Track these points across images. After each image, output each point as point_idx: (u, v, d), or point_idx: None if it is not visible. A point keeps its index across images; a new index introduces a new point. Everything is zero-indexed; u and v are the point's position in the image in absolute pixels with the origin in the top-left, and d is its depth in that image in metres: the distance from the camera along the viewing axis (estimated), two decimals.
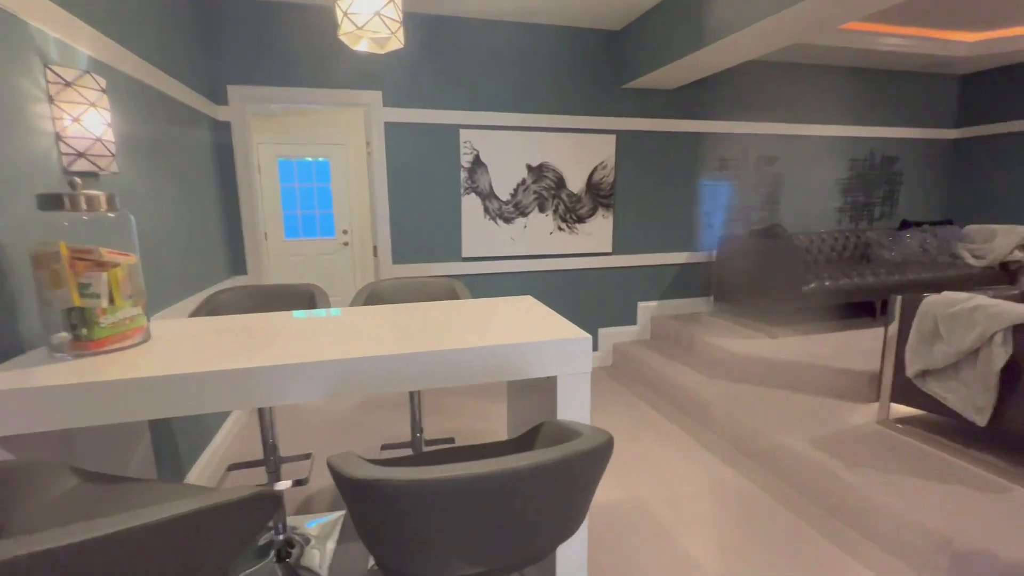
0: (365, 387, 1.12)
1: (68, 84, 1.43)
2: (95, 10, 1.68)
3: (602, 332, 3.97)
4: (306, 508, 2.10)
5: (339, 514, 2.06)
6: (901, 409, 2.42)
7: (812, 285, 3.38)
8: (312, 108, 4.89)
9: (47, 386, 0.96)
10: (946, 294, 2.13)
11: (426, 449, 2.29)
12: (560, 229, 3.71)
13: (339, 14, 1.40)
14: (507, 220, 3.58)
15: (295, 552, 1.81)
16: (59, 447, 1.16)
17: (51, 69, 1.40)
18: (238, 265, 3.10)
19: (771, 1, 2.30)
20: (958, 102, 4.67)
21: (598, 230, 3.80)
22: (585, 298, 3.87)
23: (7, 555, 0.50)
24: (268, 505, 0.78)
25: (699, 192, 4.01)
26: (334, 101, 3.13)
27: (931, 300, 2.15)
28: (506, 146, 3.48)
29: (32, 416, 0.96)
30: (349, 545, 1.86)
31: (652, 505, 2.07)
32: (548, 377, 1.27)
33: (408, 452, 2.29)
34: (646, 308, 4.04)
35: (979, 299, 2.00)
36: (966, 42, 3.96)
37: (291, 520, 2.00)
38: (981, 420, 1.95)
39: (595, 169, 3.71)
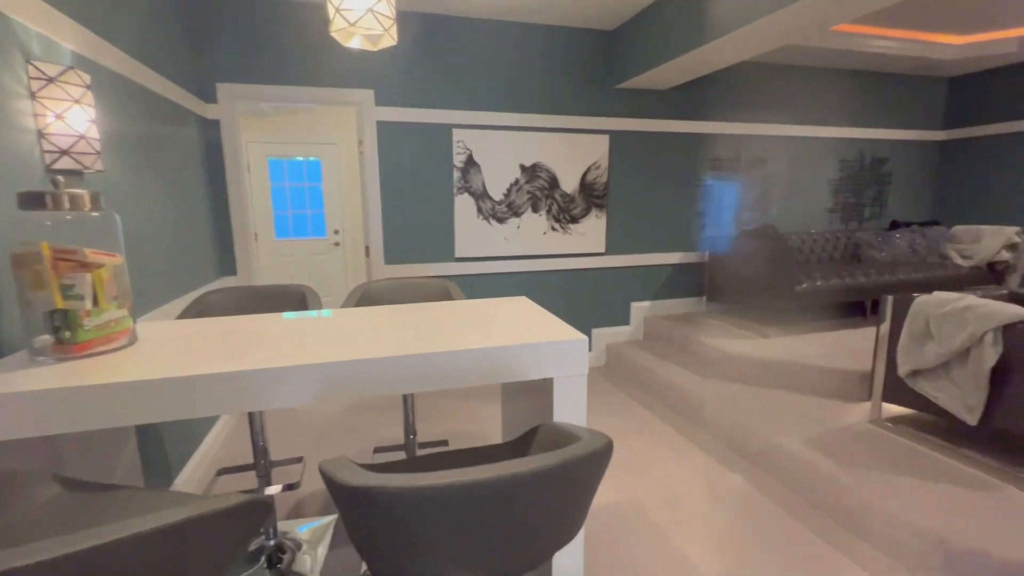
0: (358, 390, 1.09)
1: (51, 80, 1.39)
2: (79, 4, 1.64)
3: (595, 332, 3.96)
4: (297, 512, 2.07)
5: (331, 518, 2.03)
6: (893, 408, 2.44)
7: (804, 285, 3.40)
8: (303, 107, 4.84)
9: (28, 391, 0.93)
10: (937, 294, 2.15)
11: (420, 452, 2.26)
12: (553, 229, 3.70)
13: (331, 10, 1.38)
14: (500, 220, 3.56)
15: (286, 558, 1.78)
16: (41, 454, 1.13)
17: (33, 64, 1.36)
18: (227, 265, 3.06)
19: (764, 2, 2.31)
20: (945, 104, 4.73)
21: (591, 230, 3.80)
22: (578, 298, 3.87)
23: None
24: (259, 513, 0.76)
25: (692, 192, 4.02)
26: (325, 100, 3.09)
27: (922, 300, 2.17)
28: (499, 146, 3.47)
29: (12, 422, 0.93)
30: (341, 550, 1.83)
31: (648, 506, 2.07)
32: (543, 379, 1.26)
33: (401, 455, 2.26)
34: (639, 308, 4.04)
35: (969, 299, 2.01)
36: (954, 45, 4.01)
37: (282, 525, 1.96)
38: (972, 419, 1.96)
39: (588, 169, 3.70)
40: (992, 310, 1.91)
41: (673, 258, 4.06)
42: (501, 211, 3.55)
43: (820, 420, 2.45)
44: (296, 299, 1.85)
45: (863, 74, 4.36)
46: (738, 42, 2.67)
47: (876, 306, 3.87)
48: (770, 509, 2.05)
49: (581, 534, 1.31)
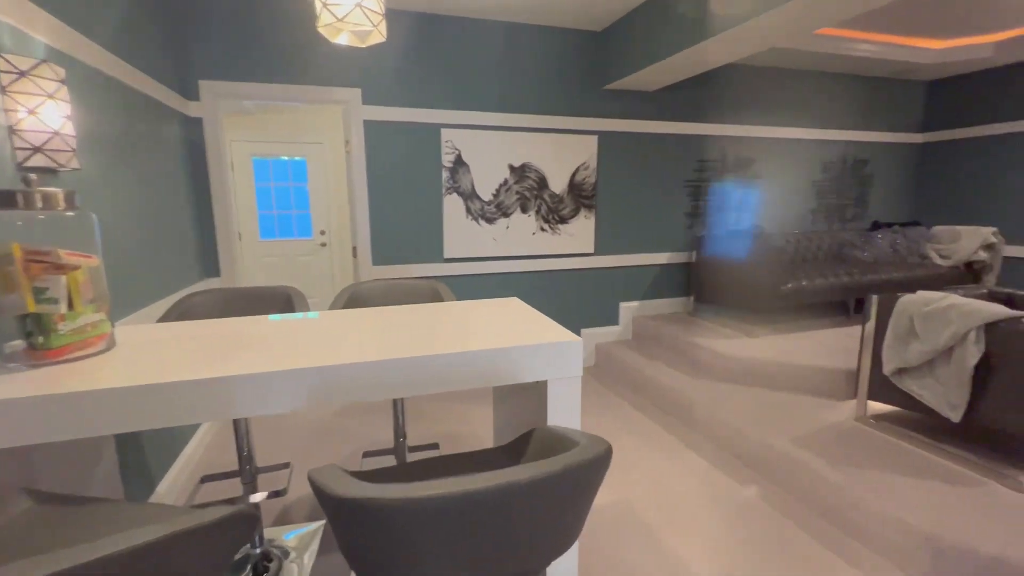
0: (347, 395, 1.06)
1: (23, 74, 1.34)
2: None
3: (584, 332, 3.96)
4: (284, 519, 2.02)
5: (318, 524, 1.98)
6: (878, 406, 2.47)
7: (790, 285, 3.44)
8: (288, 105, 4.77)
9: None
10: (921, 293, 2.18)
11: (410, 456, 2.23)
12: (543, 230, 3.69)
13: (318, 5, 1.34)
14: (489, 220, 3.54)
15: (273, 566, 1.73)
16: (11, 466, 1.08)
17: (3, 57, 1.31)
18: (210, 267, 2.99)
19: (751, 5, 2.32)
20: (924, 107, 4.83)
21: (580, 231, 3.80)
22: (567, 299, 3.86)
23: None
24: (245, 526, 0.73)
25: (679, 193, 4.04)
26: (311, 98, 3.04)
27: (907, 299, 2.20)
28: (488, 146, 3.44)
29: None
30: (329, 557, 1.79)
31: (640, 507, 2.06)
32: (536, 381, 1.24)
33: (391, 459, 2.23)
34: (628, 308, 4.05)
35: (953, 298, 2.05)
36: (932, 49, 4.10)
37: (268, 532, 1.92)
38: (955, 416, 1.99)
39: (577, 170, 3.70)
40: (974, 309, 1.95)
41: (661, 258, 4.08)
42: (490, 211, 3.53)
43: (808, 418, 2.47)
44: (282, 301, 1.80)
45: (845, 77, 4.43)
46: (725, 44, 2.68)
47: (859, 305, 3.93)
48: (762, 509, 2.06)
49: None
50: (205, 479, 1.81)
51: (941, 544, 1.61)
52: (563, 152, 3.64)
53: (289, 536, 1.92)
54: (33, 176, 1.07)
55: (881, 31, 3.76)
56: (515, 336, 1.22)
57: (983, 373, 1.92)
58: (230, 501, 1.64)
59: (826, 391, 2.78)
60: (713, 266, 3.79)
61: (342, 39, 1.44)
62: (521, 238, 3.64)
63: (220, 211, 2.95)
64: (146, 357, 1.12)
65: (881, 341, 2.29)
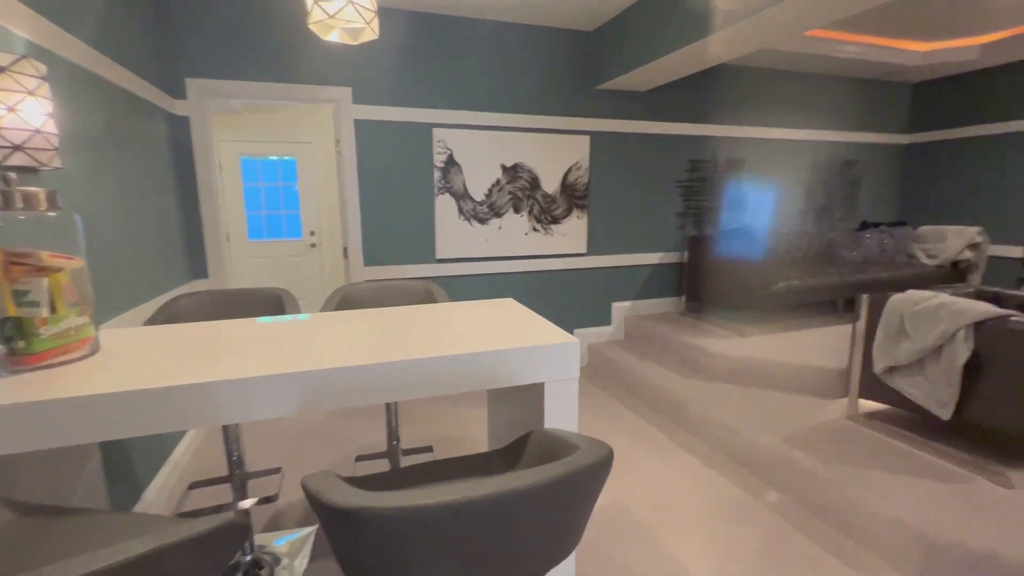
0: (341, 400, 1.04)
1: (2, 70, 1.29)
2: None
3: (577, 332, 3.96)
4: (274, 524, 1.99)
5: (310, 530, 1.95)
6: (868, 404, 2.49)
7: (781, 285, 3.46)
8: (277, 104, 4.71)
9: None
10: (911, 293, 2.20)
11: (404, 459, 2.21)
12: (535, 230, 3.68)
13: (309, 2, 1.32)
14: (482, 221, 3.52)
15: (263, 573, 1.70)
16: None
17: None
18: (198, 268, 2.93)
19: (743, 6, 2.33)
20: (911, 109, 4.90)
21: (573, 231, 3.80)
22: (560, 299, 3.85)
23: None
24: (237, 536, 0.70)
25: (671, 193, 4.05)
26: (301, 97, 3.00)
27: (897, 299, 2.22)
28: (480, 146, 3.43)
29: None
30: (321, 562, 1.77)
31: (635, 508, 2.06)
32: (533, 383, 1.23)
33: (385, 463, 2.20)
34: (620, 308, 4.06)
35: (942, 297, 2.07)
36: (918, 51, 4.15)
37: (259, 538, 1.88)
38: (945, 414, 2.01)
39: (569, 170, 3.69)
40: (963, 308, 1.97)
41: (653, 258, 4.09)
42: (482, 212, 3.51)
43: (800, 417, 2.49)
44: (273, 303, 1.77)
45: (834, 79, 4.48)
46: (717, 45, 2.69)
47: (849, 304, 3.97)
48: (755, 508, 2.07)
49: None
50: (194, 485, 1.78)
51: (933, 541, 1.62)
52: (555, 152, 3.63)
53: (280, 542, 1.89)
54: (13, 175, 1.03)
55: (868, 33, 3.80)
56: (512, 338, 1.20)
57: (972, 371, 1.94)
58: (220, 508, 1.61)
59: (817, 390, 2.80)
60: (705, 266, 3.81)
61: (333, 36, 1.42)
62: (513, 238, 3.63)
63: (208, 211, 2.90)
64: (132, 362, 1.09)
65: (871, 340, 2.31)
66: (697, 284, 3.89)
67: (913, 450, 2.14)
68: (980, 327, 1.92)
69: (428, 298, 1.97)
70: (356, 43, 1.43)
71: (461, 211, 3.46)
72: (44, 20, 1.57)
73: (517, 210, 3.60)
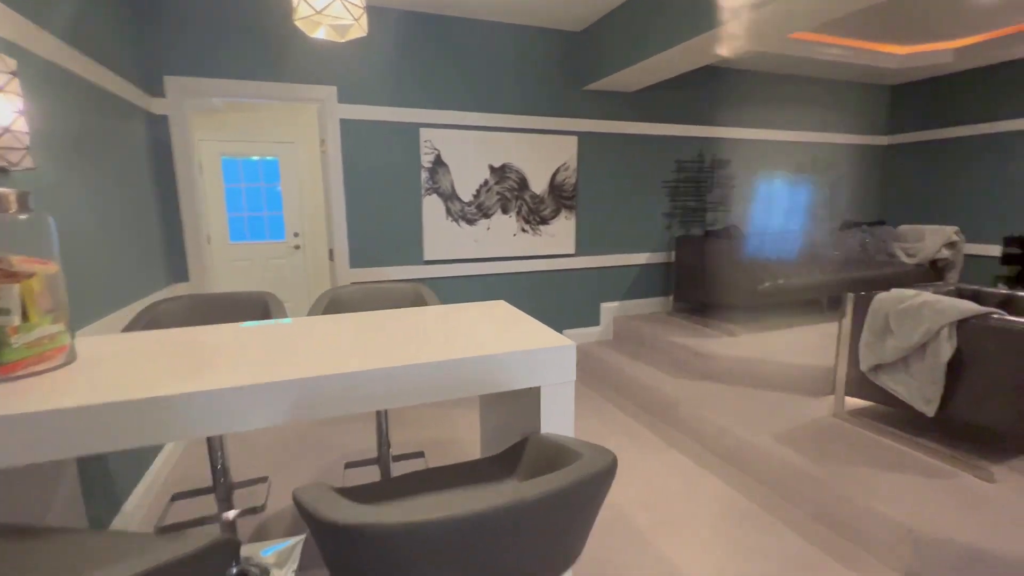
0: (332, 409, 1.01)
1: None
2: None
3: (566, 333, 3.95)
4: (261, 534, 1.93)
5: (298, 539, 1.90)
6: (854, 401, 2.53)
7: (767, 284, 3.50)
8: (260, 103, 4.61)
9: None
10: (895, 291, 2.24)
11: (394, 465, 2.17)
12: (523, 231, 3.67)
13: None
14: (470, 222, 3.49)
15: None
16: None
17: None
18: (178, 271, 2.85)
19: (724, 10, 2.35)
20: (889, 111, 5.00)
21: (561, 231, 3.79)
22: (549, 299, 3.85)
23: None
24: (225, 555, 0.67)
25: (658, 193, 4.08)
26: (285, 96, 2.94)
27: (882, 297, 2.25)
28: (468, 146, 3.40)
29: None
30: (310, 572, 1.72)
31: (629, 509, 2.05)
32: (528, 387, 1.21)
33: (374, 469, 2.16)
34: (608, 309, 4.06)
35: (926, 296, 2.11)
36: (896, 54, 4.24)
37: (244, 549, 1.82)
38: (930, 411, 2.05)
39: (557, 170, 3.69)
40: (946, 306, 2.00)
41: (641, 258, 4.11)
42: (471, 212, 3.49)
43: (788, 415, 2.51)
44: (258, 308, 1.72)
45: (815, 81, 4.55)
46: (702, 46, 2.71)
47: (833, 303, 4.04)
48: (747, 507, 2.08)
49: None
50: (176, 497, 1.72)
51: (921, 536, 1.65)
52: (543, 152, 3.62)
53: (267, 552, 1.83)
54: None
55: (850, 36, 3.87)
56: (507, 342, 1.18)
57: (956, 368, 1.97)
58: (204, 520, 1.56)
59: (804, 388, 2.84)
60: (691, 266, 3.83)
61: (320, 33, 1.38)
62: (502, 239, 3.61)
63: (188, 213, 2.82)
64: (110, 371, 1.04)
65: (857, 338, 2.35)
66: (684, 284, 3.92)
67: (899, 446, 2.17)
68: (963, 325, 1.96)
69: (418, 301, 1.93)
70: (344, 40, 1.39)
71: (449, 212, 3.43)
72: (14, 14, 1.50)
73: (505, 211, 3.58)
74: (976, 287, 2.56)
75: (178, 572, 0.59)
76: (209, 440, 1.58)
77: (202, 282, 2.91)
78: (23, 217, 1.02)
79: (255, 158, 4.91)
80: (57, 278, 1.07)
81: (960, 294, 2.55)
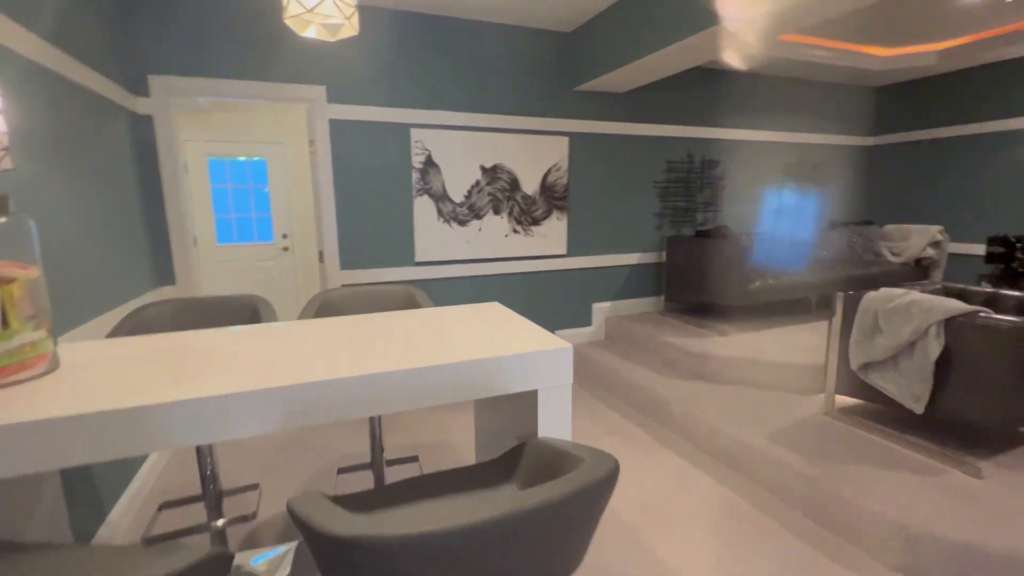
0: (326, 415, 0.99)
1: None
2: None
3: (558, 334, 3.95)
4: (251, 542, 1.90)
5: (289, 546, 1.87)
6: (844, 400, 2.55)
7: (757, 284, 3.53)
8: (247, 103, 4.55)
9: None
10: (884, 290, 2.26)
11: (388, 470, 2.14)
12: (515, 231, 3.65)
13: None
14: (461, 223, 3.48)
15: None
16: None
17: None
18: (164, 274, 2.80)
19: (714, 12, 2.36)
20: (874, 112, 5.08)
21: (552, 232, 3.79)
22: (541, 300, 3.84)
23: None
24: (217, 569, 0.65)
25: (649, 193, 4.09)
26: (273, 96, 2.90)
27: (871, 296, 2.28)
28: (459, 147, 3.38)
29: None
30: None
31: (622, 510, 2.05)
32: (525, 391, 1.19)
33: (368, 474, 2.13)
34: (600, 309, 4.07)
35: (914, 295, 2.13)
36: (881, 56, 4.31)
37: (235, 558, 1.79)
38: (919, 408, 2.08)
39: (549, 171, 3.68)
40: (934, 305, 2.03)
41: (632, 259, 4.12)
42: (462, 213, 3.47)
43: (779, 414, 2.53)
44: (247, 311, 1.69)
45: (803, 82, 4.61)
46: (689, 48, 2.72)
47: (822, 302, 4.09)
48: (741, 506, 2.09)
49: None
50: (164, 506, 1.68)
51: (912, 533, 1.66)
52: (535, 153, 3.61)
53: (258, 560, 1.80)
54: None
55: (837, 39, 3.92)
56: (503, 345, 1.17)
57: (943, 366, 2.00)
58: (193, 530, 1.52)
59: (795, 386, 2.86)
60: (682, 266, 3.85)
61: (310, 32, 1.36)
62: (494, 240, 3.59)
63: (174, 214, 2.77)
64: (95, 379, 1.01)
65: (847, 337, 2.37)
66: (675, 284, 3.93)
67: (889, 444, 2.20)
68: (951, 323, 1.98)
69: (411, 303, 1.91)
70: (334, 39, 1.37)
71: (440, 213, 3.40)
72: None
73: (497, 211, 3.57)
74: (962, 286, 2.60)
75: None
76: (198, 447, 1.55)
77: (189, 285, 2.86)
78: (2, 220, 0.99)
79: (242, 159, 4.84)
80: (38, 283, 1.03)
81: (947, 293, 2.59)
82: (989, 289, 2.55)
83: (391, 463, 2.09)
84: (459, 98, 3.32)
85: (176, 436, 0.90)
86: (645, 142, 3.99)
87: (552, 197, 3.73)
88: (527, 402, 1.22)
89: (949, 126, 4.56)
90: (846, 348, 2.38)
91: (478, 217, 3.52)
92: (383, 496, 0.97)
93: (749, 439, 2.29)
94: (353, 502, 0.93)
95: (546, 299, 3.85)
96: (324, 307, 1.82)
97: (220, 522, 1.56)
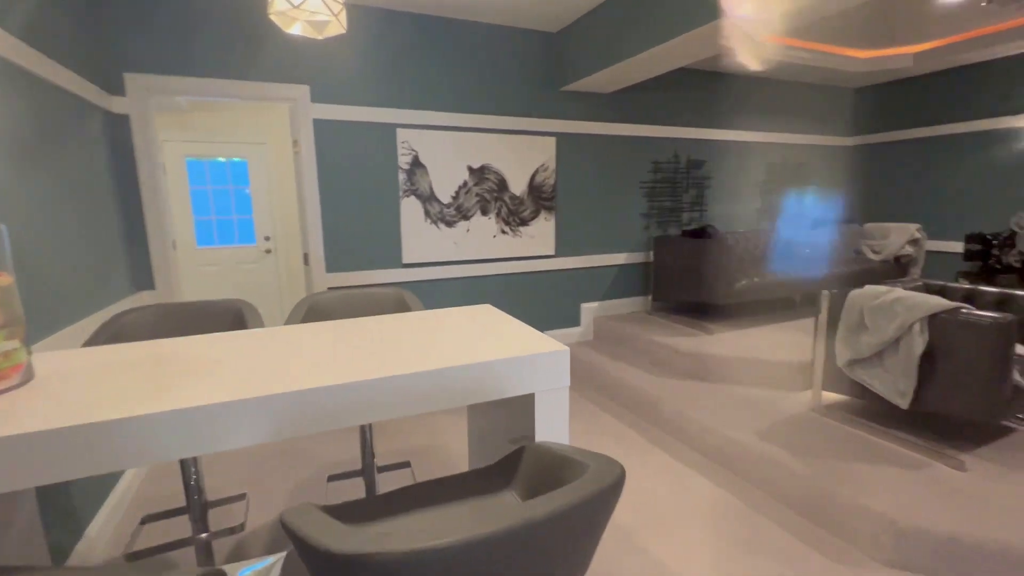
0: (318, 424, 0.96)
1: None
2: None
3: (547, 334, 3.94)
4: (238, 553, 1.84)
5: (277, 557, 1.82)
6: (830, 396, 2.59)
7: (743, 282, 3.57)
8: (227, 102, 4.45)
9: None
10: (868, 288, 2.30)
11: (379, 476, 2.10)
12: (503, 232, 3.64)
13: None
14: (449, 224, 3.44)
15: None
16: None
17: None
18: (143, 279, 2.71)
19: (703, 11, 2.37)
20: (853, 113, 5.18)
21: (541, 232, 3.78)
22: (529, 301, 3.83)
23: None
24: None
25: (636, 194, 4.11)
26: (254, 95, 2.83)
27: (856, 293, 2.31)
28: (446, 147, 3.35)
29: None
30: None
31: (615, 511, 2.05)
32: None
33: (359, 482, 2.09)
34: (589, 309, 4.07)
35: (897, 292, 2.17)
36: (860, 58, 4.39)
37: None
38: (904, 403, 2.11)
39: (537, 171, 3.67)
40: (918, 302, 2.07)
41: (619, 258, 4.13)
42: (450, 214, 3.44)
43: (767, 411, 2.56)
44: (232, 316, 1.64)
45: (784, 84, 4.68)
46: (676, 49, 2.73)
47: (805, 299, 4.15)
48: (732, 504, 2.10)
49: None
50: (147, 519, 1.62)
51: (900, 527, 1.69)
52: (522, 153, 3.60)
53: (245, 572, 1.75)
54: None
55: (816, 40, 3.99)
56: (498, 348, 1.15)
57: (928, 361, 2.04)
58: (178, 544, 1.47)
59: (782, 383, 2.90)
60: (669, 265, 3.88)
61: (296, 29, 1.32)
62: (482, 241, 3.57)
63: (152, 217, 2.69)
64: (73, 390, 0.96)
65: (833, 334, 2.40)
66: (663, 283, 3.96)
67: (875, 439, 2.23)
68: (934, 319, 2.02)
69: (401, 306, 1.88)
70: (321, 37, 1.33)
71: (428, 214, 3.37)
72: None
73: (485, 212, 3.55)
74: (942, 283, 2.66)
75: None
76: None
77: (169, 290, 2.78)
78: None
79: (222, 159, 4.73)
80: (10, 290, 0.98)
81: (928, 289, 2.64)
82: (968, 285, 2.61)
83: (382, 469, 2.05)
84: (446, 98, 3.29)
85: (159, 450, 0.86)
86: (631, 142, 4.01)
87: (540, 197, 3.72)
88: (522, 405, 1.21)
89: (926, 127, 4.67)
90: (832, 345, 2.42)
91: (466, 218, 3.49)
92: (379, 506, 0.94)
93: (739, 437, 2.31)
94: (348, 513, 0.90)
95: (535, 300, 3.84)
96: (312, 311, 1.78)
97: (206, 535, 1.51)
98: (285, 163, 4.85)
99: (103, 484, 2.00)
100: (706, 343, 3.27)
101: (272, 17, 1.24)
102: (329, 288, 3.13)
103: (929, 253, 4.56)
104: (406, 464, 1.90)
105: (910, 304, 2.09)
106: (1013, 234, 3.32)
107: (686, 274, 3.72)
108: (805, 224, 5.03)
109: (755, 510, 2.05)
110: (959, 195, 4.51)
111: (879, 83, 4.96)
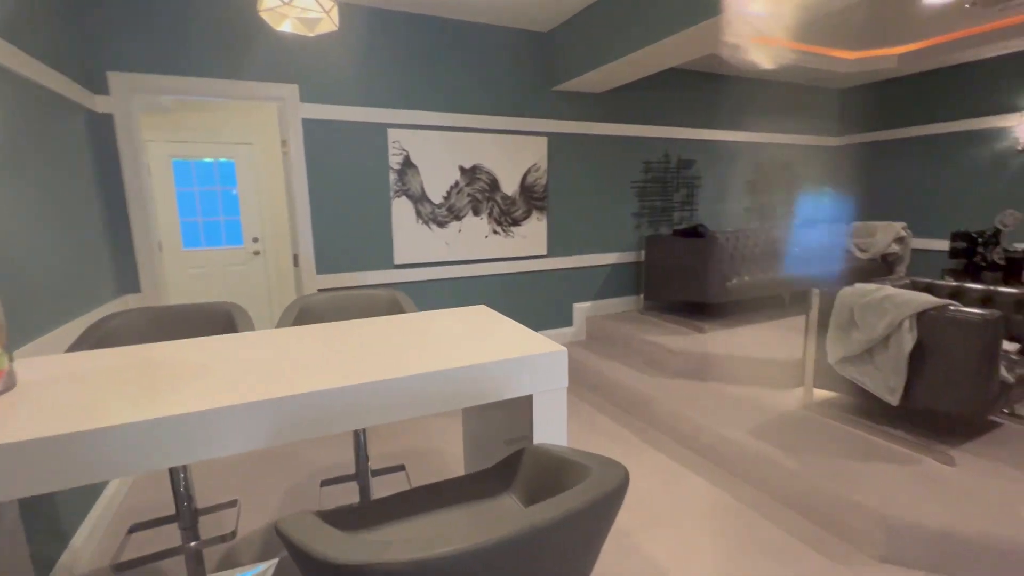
0: (312, 429, 0.94)
1: None
2: None
3: (540, 334, 3.94)
4: (230, 561, 1.81)
5: (268, 564, 1.79)
6: (821, 393, 2.61)
7: (734, 281, 3.59)
8: (213, 101, 4.38)
9: None
10: (858, 286, 2.33)
11: (374, 480, 2.08)
12: (495, 232, 3.62)
13: None
14: (441, 224, 3.42)
15: None
16: None
17: None
18: (128, 282, 2.66)
19: (694, 11, 2.39)
20: (839, 113, 5.25)
21: (532, 232, 3.77)
22: (522, 301, 3.82)
23: None
24: None
25: (627, 193, 4.12)
26: (242, 94, 2.79)
27: (846, 291, 2.34)
28: (437, 147, 3.33)
29: None
30: None
31: None
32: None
33: (353, 486, 2.06)
34: (581, 309, 4.08)
35: (887, 289, 2.20)
36: (846, 59, 4.45)
37: None
38: (894, 400, 2.14)
39: (528, 171, 3.67)
40: (907, 299, 2.09)
41: (611, 258, 4.14)
42: (441, 215, 3.42)
43: (759, 409, 2.57)
44: (222, 320, 1.61)
45: (772, 84, 4.72)
46: (667, 48, 2.74)
47: (794, 298, 4.19)
48: (726, 501, 2.11)
49: None
50: (135, 528, 1.58)
51: (893, 523, 1.71)
52: (514, 153, 3.59)
53: None
54: None
55: (804, 41, 4.03)
56: (495, 349, 1.14)
57: (917, 358, 2.06)
58: (167, 553, 1.44)
59: (773, 381, 2.92)
60: (660, 264, 3.89)
61: (286, 27, 1.30)
62: (474, 241, 3.55)
63: (137, 219, 2.64)
64: (57, 398, 0.93)
65: (823, 332, 2.43)
66: (654, 283, 3.97)
67: (866, 435, 2.26)
68: (923, 316, 2.05)
69: (395, 308, 1.86)
70: (312, 35, 1.31)
71: (419, 214, 3.35)
72: None
73: (477, 212, 3.53)
74: (929, 280, 2.69)
75: None
76: None
77: (155, 293, 2.72)
78: None
79: (209, 160, 4.66)
80: None
81: (915, 287, 2.68)
82: (953, 283, 2.65)
83: (376, 473, 2.02)
84: (437, 98, 3.27)
85: (147, 459, 0.84)
86: (623, 142, 4.02)
87: (532, 198, 3.71)
88: (518, 407, 1.20)
89: (911, 127, 4.75)
90: (823, 343, 2.44)
91: (458, 218, 3.47)
92: (376, 511, 0.92)
93: (732, 435, 2.32)
94: (345, 519, 0.89)
95: (527, 300, 3.84)
96: (304, 314, 1.75)
97: (196, 543, 1.47)
98: (274, 163, 4.79)
99: (88, 492, 1.95)
100: (698, 342, 3.28)
101: (262, 14, 1.22)
102: (319, 290, 3.10)
103: (915, 251, 4.63)
104: (401, 467, 1.88)
105: (899, 302, 2.11)
106: (997, 232, 3.38)
107: (678, 273, 3.74)
108: (793, 223, 5.09)
109: (749, 507, 2.06)
110: (944, 194, 4.59)
111: (864, 84, 5.03)
